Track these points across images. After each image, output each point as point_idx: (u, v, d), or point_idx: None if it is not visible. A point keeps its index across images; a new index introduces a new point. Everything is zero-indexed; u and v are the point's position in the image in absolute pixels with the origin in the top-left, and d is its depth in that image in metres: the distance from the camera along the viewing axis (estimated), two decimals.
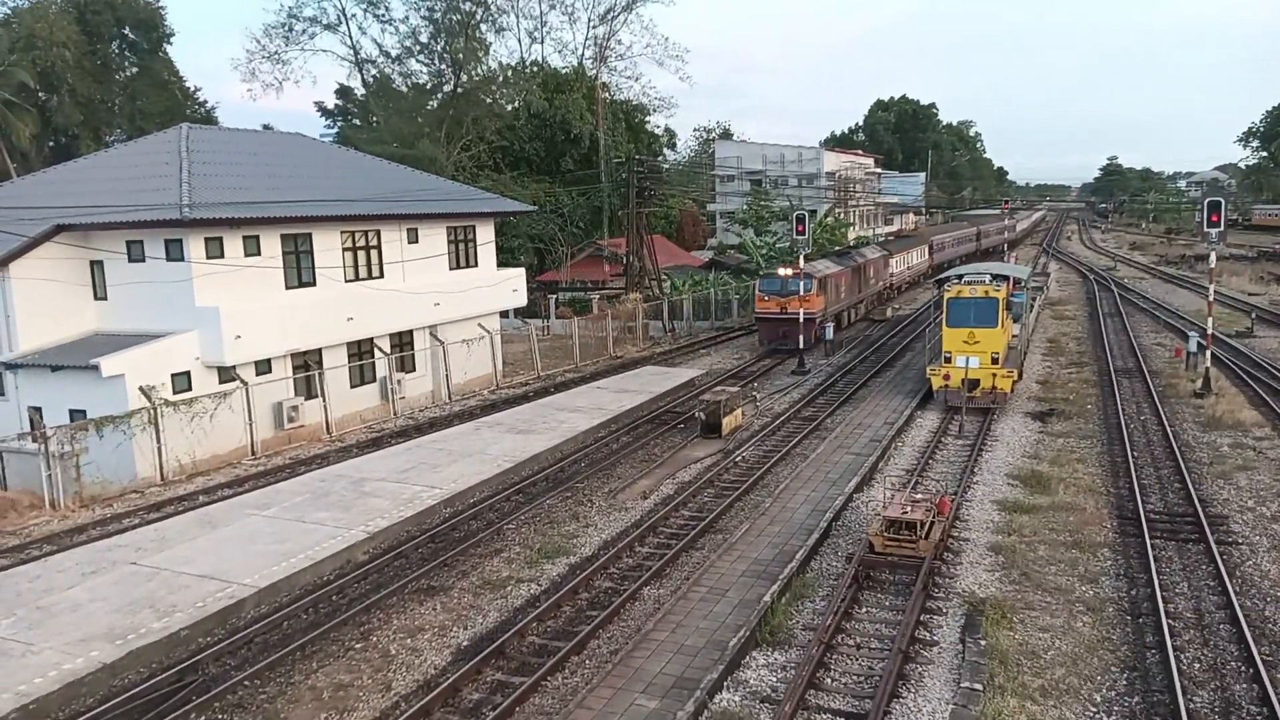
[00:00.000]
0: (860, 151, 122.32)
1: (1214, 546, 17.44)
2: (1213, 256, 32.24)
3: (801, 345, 37.37)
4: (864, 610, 15.64)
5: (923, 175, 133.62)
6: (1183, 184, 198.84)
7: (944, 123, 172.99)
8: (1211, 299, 32.38)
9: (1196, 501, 19.96)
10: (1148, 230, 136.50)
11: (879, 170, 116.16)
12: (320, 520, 19.96)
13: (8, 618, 15.47)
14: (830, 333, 41.58)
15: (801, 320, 37.52)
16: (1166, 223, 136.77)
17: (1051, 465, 23.15)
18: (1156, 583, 15.94)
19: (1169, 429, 25.96)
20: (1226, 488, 21.39)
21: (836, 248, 65.47)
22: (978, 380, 28.00)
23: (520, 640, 14.94)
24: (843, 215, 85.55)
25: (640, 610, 15.96)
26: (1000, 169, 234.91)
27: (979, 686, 12.91)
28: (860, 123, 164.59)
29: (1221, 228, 29.72)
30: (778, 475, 23.16)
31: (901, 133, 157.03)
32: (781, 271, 39.74)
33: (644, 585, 16.83)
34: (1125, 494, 21.07)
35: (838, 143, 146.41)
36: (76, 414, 24.92)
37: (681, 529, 19.82)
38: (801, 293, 37.97)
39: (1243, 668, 13.46)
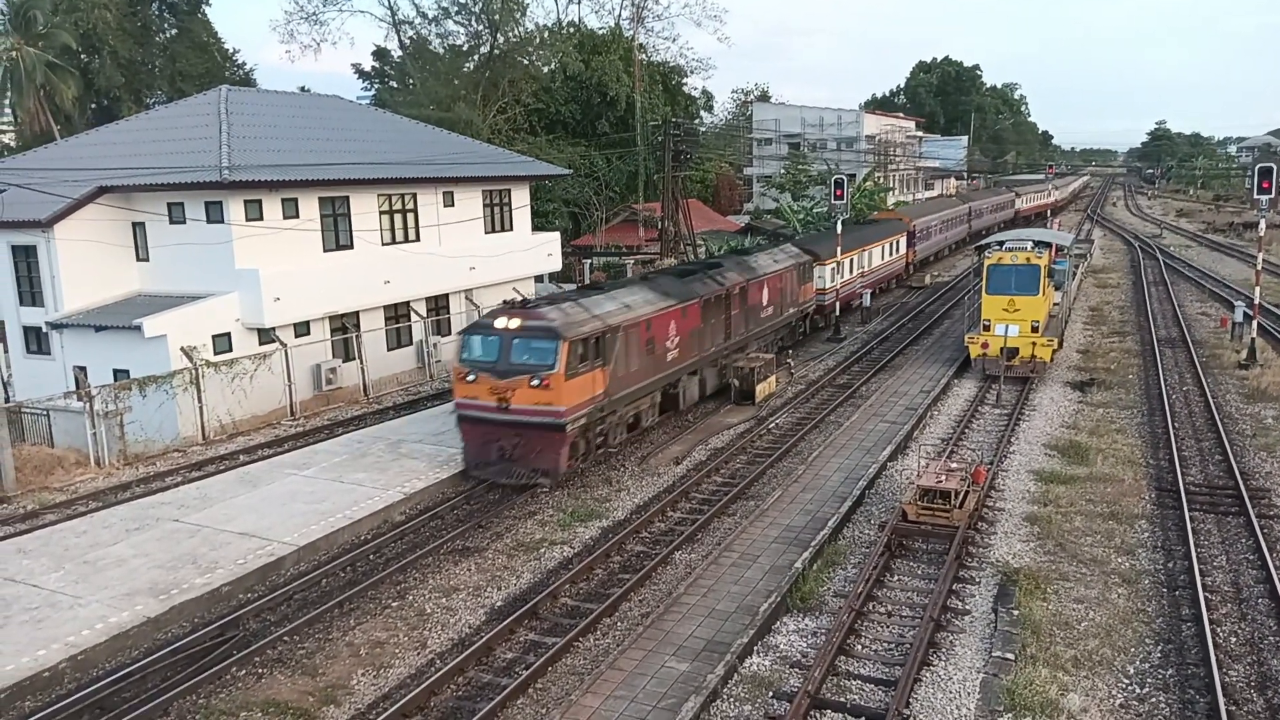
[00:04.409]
0: (901, 115, 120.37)
1: (1255, 520, 17.19)
2: (1262, 224, 31.47)
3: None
4: (896, 578, 15.64)
5: (965, 139, 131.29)
6: (1233, 149, 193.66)
7: (988, 85, 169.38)
8: (1260, 267, 31.65)
9: (1238, 474, 19.66)
10: (1195, 197, 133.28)
11: (920, 134, 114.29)
12: (358, 480, 20.25)
13: (56, 571, 15.91)
14: (868, 299, 41.14)
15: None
16: (1215, 189, 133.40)
17: (1090, 436, 22.87)
18: (1194, 555, 15.77)
19: (1211, 400, 25.53)
20: (1270, 460, 21.03)
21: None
22: (1017, 349, 27.65)
23: (553, 601, 15.12)
24: (882, 180, 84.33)
25: (672, 574, 16.08)
26: (1045, 133, 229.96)
27: (1011, 656, 12.89)
28: (901, 85, 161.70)
29: (1272, 194, 28.95)
30: (811, 442, 23.12)
31: (944, 96, 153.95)
32: (500, 324, 19.82)
33: (676, 550, 16.94)
34: (1165, 465, 20.79)
35: (878, 105, 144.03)
36: (120, 373, 25.38)
37: (713, 495, 19.88)
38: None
39: None
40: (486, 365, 19.75)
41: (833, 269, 36.92)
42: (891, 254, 46.67)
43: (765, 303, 29.95)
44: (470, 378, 19.87)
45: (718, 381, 27.09)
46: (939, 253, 58.89)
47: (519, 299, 21.45)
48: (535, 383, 19.11)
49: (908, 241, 49.81)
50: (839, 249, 37.01)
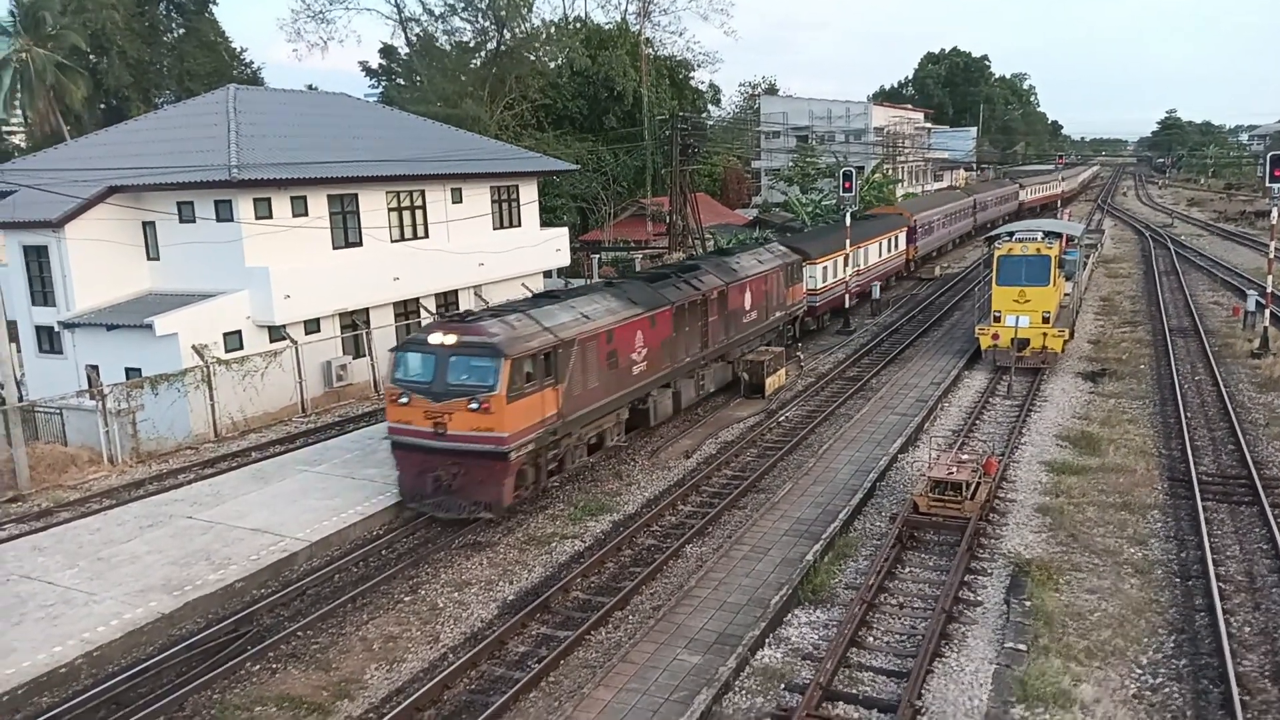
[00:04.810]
0: (910, 106, 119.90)
1: (1268, 509, 17.10)
2: (1274, 212, 31.25)
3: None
4: (907, 570, 15.62)
5: (974, 130, 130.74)
6: (1244, 137, 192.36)
7: (997, 76, 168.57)
8: (1272, 256, 31.44)
9: (1251, 463, 19.55)
10: (1207, 186, 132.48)
11: (929, 125, 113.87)
12: (370, 476, 20.30)
13: (71, 568, 16.01)
14: (877, 291, 40.99)
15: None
16: (1226, 178, 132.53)
17: (1102, 426, 22.79)
18: (1207, 545, 15.70)
19: (1224, 389, 25.40)
20: None
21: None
22: (1027, 340, 27.57)
23: (565, 595, 15.16)
24: (891, 172, 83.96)
25: (683, 567, 16.10)
26: (1055, 123, 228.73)
27: (1023, 647, 12.87)
28: (910, 77, 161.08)
29: None
30: (821, 435, 23.10)
31: (952, 86, 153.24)
32: (435, 339, 17.85)
33: (686, 543, 16.96)
34: (1177, 455, 20.71)
35: (887, 97, 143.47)
36: (132, 372, 25.52)
37: (724, 488, 19.89)
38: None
39: None
40: (421, 386, 17.65)
41: (825, 268, 34.96)
42: (890, 250, 44.46)
43: (748, 307, 27.71)
44: (403, 399, 17.78)
45: (695, 394, 25.36)
46: (942, 248, 56.95)
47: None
48: (474, 406, 17.06)
49: (908, 237, 47.62)
50: (847, 241, 36.51)
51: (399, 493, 18.69)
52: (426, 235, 32.45)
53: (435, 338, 17.86)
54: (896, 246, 45.85)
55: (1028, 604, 14.01)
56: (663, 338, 22.89)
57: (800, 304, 32.98)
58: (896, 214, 48.65)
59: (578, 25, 70.49)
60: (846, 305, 37.35)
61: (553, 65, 65.95)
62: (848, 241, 36.59)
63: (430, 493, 17.84)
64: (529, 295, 23.98)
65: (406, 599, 15.29)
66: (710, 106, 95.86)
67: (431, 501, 17.90)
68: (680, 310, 23.70)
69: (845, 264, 37.05)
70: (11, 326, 28.71)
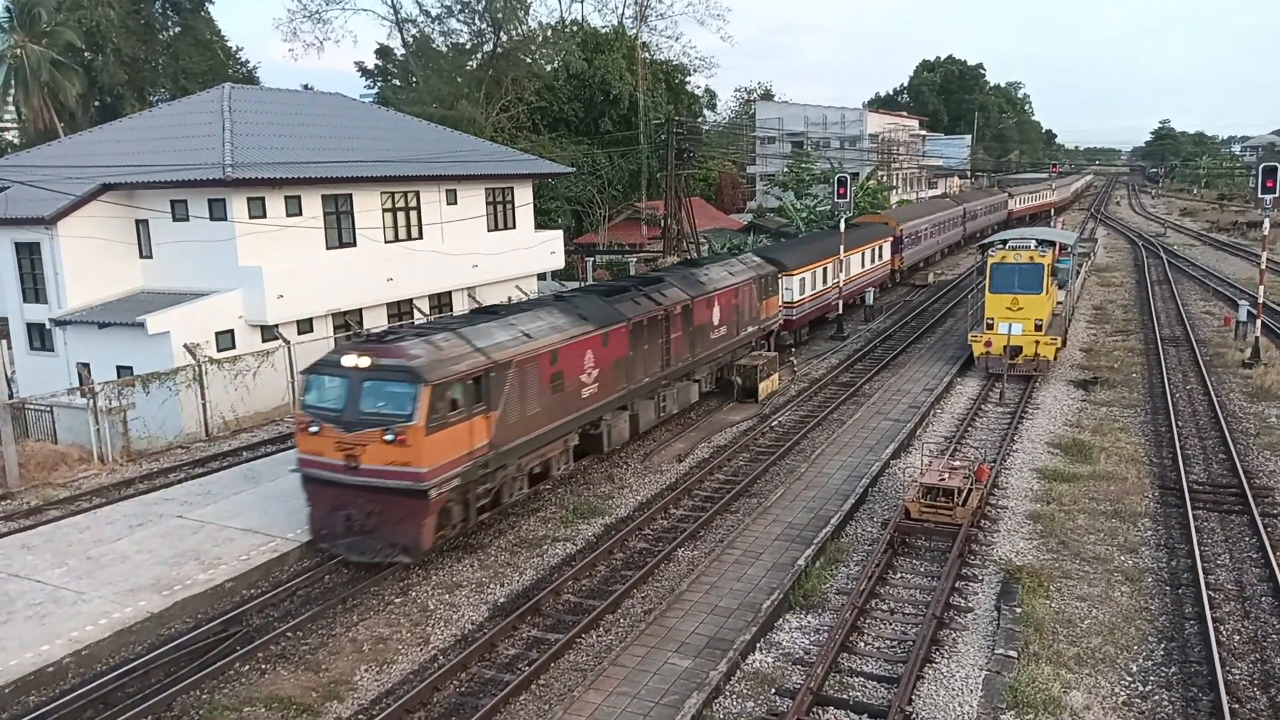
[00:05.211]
0: (905, 113, 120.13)
1: (1258, 518, 17.17)
2: (1266, 223, 31.38)
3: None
4: (898, 576, 15.63)
5: (968, 138, 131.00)
6: (1237, 148, 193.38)
7: (991, 84, 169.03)
8: (1264, 266, 31.58)
9: (1241, 472, 19.63)
10: (1199, 196, 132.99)
11: (924, 132, 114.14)
12: None
13: (59, 567, 15.92)
14: (871, 297, 41.03)
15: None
16: (1219, 188, 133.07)
17: (1093, 434, 22.85)
18: (1197, 553, 15.76)
19: (1215, 399, 25.50)
20: (1273, 459, 21.01)
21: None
22: (1020, 347, 27.62)
23: (556, 598, 15.13)
24: (885, 178, 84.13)
25: (674, 571, 16.09)
26: (1049, 132, 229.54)
27: (1013, 654, 12.89)
28: (905, 84, 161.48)
29: (1277, 193, 28.87)
30: (814, 440, 23.11)
31: (947, 94, 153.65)
32: (348, 362, 15.89)
33: (678, 547, 16.95)
34: (1168, 464, 20.78)
35: (882, 104, 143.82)
36: (124, 370, 25.44)
37: (716, 492, 19.90)
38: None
39: None
40: (332, 414, 15.68)
41: (802, 280, 33.19)
42: (873, 261, 42.31)
43: (716, 322, 25.75)
44: (314, 428, 15.80)
45: (655, 417, 23.34)
46: (930, 258, 55.09)
47: (378, 330, 17.72)
48: (389, 437, 15.10)
49: (893, 247, 45.60)
50: (840, 247, 36.38)
51: (309, 531, 16.78)
52: (421, 236, 32.44)
53: (348, 360, 15.91)
54: (880, 257, 43.98)
55: (1018, 610, 14.03)
56: (616, 357, 20.88)
57: (775, 318, 30.92)
58: (881, 223, 46.45)
59: (574, 28, 70.54)
60: (829, 318, 36.71)
61: (549, 68, 65.99)
62: (841, 247, 36.54)
63: (341, 533, 15.87)
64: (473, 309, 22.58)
65: (397, 600, 15.25)
66: (706, 111, 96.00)
67: (344, 543, 15.93)
68: (638, 327, 21.79)
69: (825, 275, 35.64)
70: (3, 323, 28.71)
